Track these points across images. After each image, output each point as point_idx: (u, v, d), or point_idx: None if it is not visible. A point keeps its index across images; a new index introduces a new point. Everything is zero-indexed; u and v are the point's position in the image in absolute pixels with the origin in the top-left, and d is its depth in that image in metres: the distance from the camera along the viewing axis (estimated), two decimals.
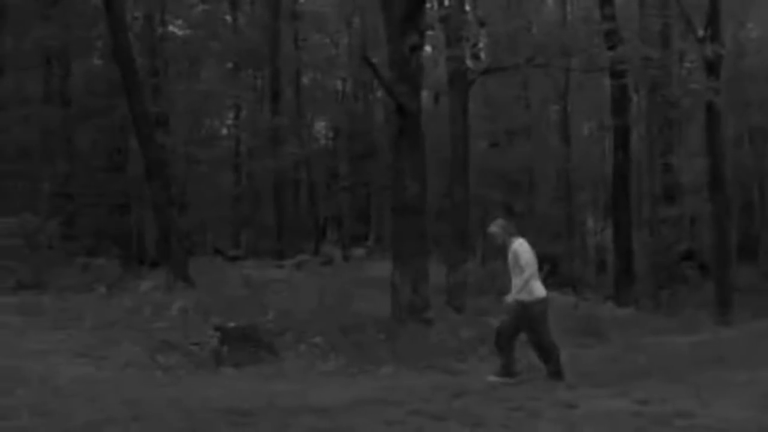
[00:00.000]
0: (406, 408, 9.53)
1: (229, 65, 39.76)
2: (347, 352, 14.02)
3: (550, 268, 25.58)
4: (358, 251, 34.27)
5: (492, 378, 11.53)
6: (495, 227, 11.73)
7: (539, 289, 11.39)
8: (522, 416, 9.25)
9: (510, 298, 11.32)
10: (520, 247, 11.38)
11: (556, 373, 11.53)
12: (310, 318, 15.89)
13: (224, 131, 42.69)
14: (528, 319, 11.37)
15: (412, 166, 16.40)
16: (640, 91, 37.72)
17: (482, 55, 26.95)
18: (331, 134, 48.42)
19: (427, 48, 24.12)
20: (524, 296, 11.25)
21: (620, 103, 29.26)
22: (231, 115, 41.85)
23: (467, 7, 22.13)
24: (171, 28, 35.62)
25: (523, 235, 11.75)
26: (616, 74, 25.30)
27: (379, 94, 38.88)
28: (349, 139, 43.70)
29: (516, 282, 11.36)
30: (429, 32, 21.02)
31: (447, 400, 10.15)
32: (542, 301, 11.42)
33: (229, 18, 39.44)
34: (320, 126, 48.27)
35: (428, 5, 19.50)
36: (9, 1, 29.80)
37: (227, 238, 39.44)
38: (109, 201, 30.73)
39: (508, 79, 32.64)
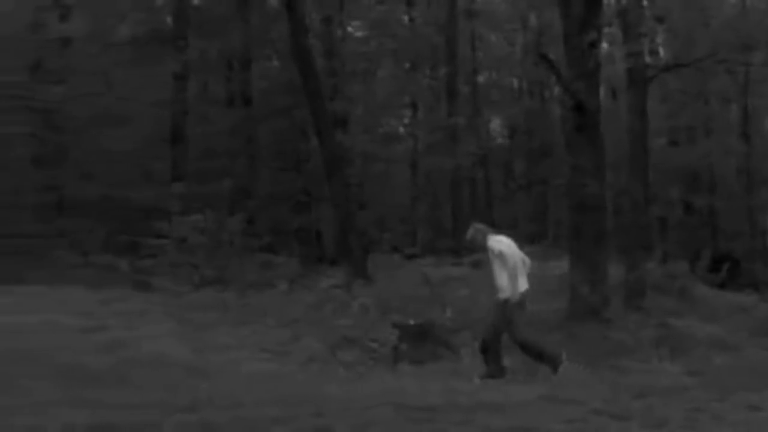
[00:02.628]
0: (586, 407, 9.44)
1: (406, 65, 40.01)
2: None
3: (729, 267, 24.97)
4: (536, 250, 34.02)
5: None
6: (471, 231, 12.13)
7: (518, 285, 11.55)
8: (705, 418, 9.05)
9: (506, 289, 11.51)
10: (495, 242, 11.71)
11: (494, 371, 11.71)
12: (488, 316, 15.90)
13: (401, 130, 42.96)
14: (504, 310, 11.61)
15: (591, 164, 16.25)
16: None
17: (661, 51, 26.46)
18: (507, 132, 48.21)
19: (605, 44, 23.83)
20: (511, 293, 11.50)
21: None
22: (408, 114, 42.10)
23: (645, 3, 21.70)
24: (349, 29, 36.09)
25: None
26: None
27: (556, 91, 38.55)
28: (526, 137, 43.49)
29: (500, 281, 11.58)
30: (607, 29, 20.77)
31: (627, 400, 10.02)
32: (519, 298, 11.61)
33: (405, 18, 39.70)
34: (496, 124, 48.12)
35: (606, 1, 19.25)
36: (194, 7, 30.73)
37: (404, 236, 39.69)
38: (289, 199, 31.32)
39: (687, 75, 31.91)
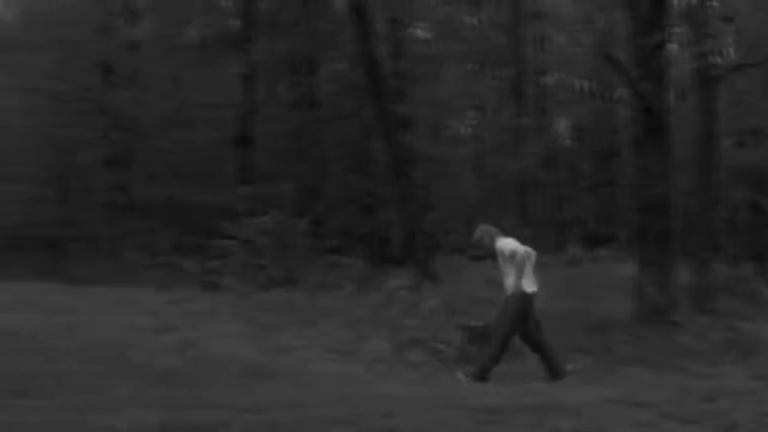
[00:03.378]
0: (655, 410, 9.41)
1: (472, 66, 39.98)
2: (593, 352, 13.95)
3: None
4: (604, 252, 33.79)
5: (569, 367, 11.89)
6: (477, 232, 12.29)
7: (526, 284, 11.59)
8: None
9: (514, 286, 11.55)
10: (505, 243, 11.78)
11: (482, 370, 11.70)
12: (556, 318, 15.85)
13: (466, 132, 42.92)
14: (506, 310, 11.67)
15: (658, 165, 16.15)
16: None
17: (730, 51, 26.17)
18: (573, 134, 47.92)
19: (672, 45, 23.65)
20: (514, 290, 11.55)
21: None
22: (473, 115, 42.06)
23: (713, 3, 21.54)
24: (415, 30, 36.14)
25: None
26: None
27: (623, 92, 38.24)
28: (592, 138, 43.20)
29: (509, 281, 11.64)
30: (675, 29, 20.63)
31: (697, 404, 9.96)
32: (523, 297, 11.61)
33: (471, 19, 39.69)
34: (562, 126, 47.85)
35: (673, 1, 19.13)
36: (261, 9, 30.96)
37: (469, 238, 39.54)
38: (356, 201, 31.46)
39: (756, 75, 31.50)
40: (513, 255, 11.56)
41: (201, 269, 22.97)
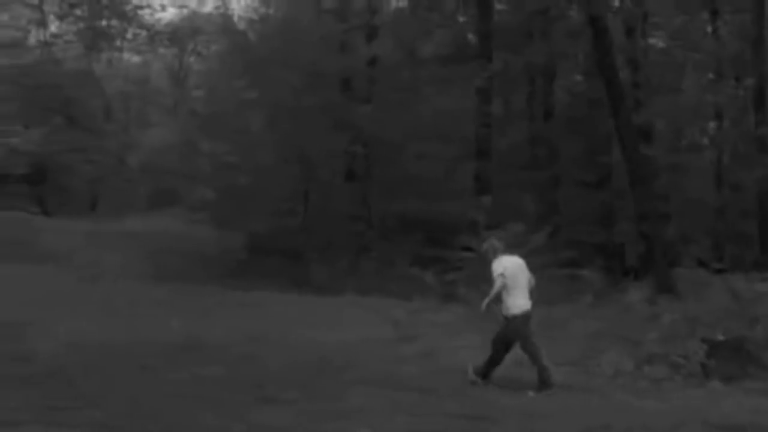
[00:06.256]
0: None
1: (711, 75, 39.04)
2: None
3: None
4: None
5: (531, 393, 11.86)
6: (486, 245, 13.00)
7: (514, 306, 12.19)
8: None
9: (483, 304, 12.20)
10: (498, 263, 12.28)
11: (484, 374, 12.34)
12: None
13: (705, 141, 41.92)
14: (506, 330, 12.32)
15: None
16: None
17: None
18: None
19: None
20: (504, 311, 12.23)
21: None
22: (712, 125, 41.03)
23: None
24: (652, 40, 35.62)
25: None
26: None
27: None
28: None
29: (504, 298, 12.25)
30: None
31: None
32: (514, 318, 12.21)
33: (709, 27, 38.76)
34: None
35: None
36: (497, 23, 31.18)
37: (710, 250, 38.63)
38: (593, 212, 31.25)
39: None
40: (494, 278, 12.22)
41: (439, 281, 23.30)
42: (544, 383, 12.04)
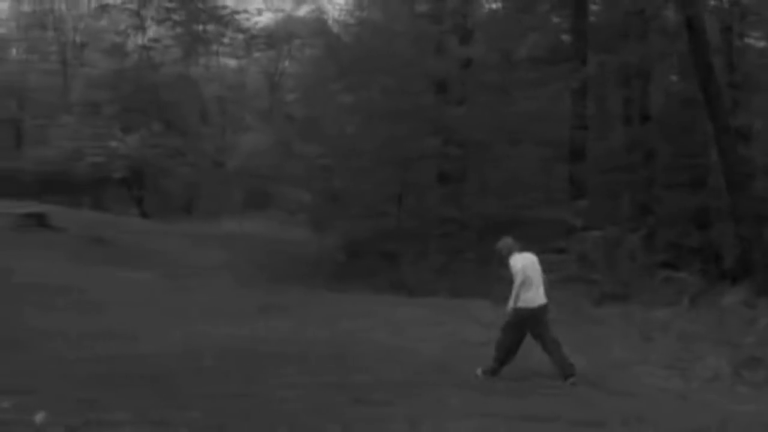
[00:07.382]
0: None
1: None
2: None
3: None
4: None
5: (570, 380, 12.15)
6: (500, 243, 13.09)
7: (525, 300, 12.31)
8: None
9: (509, 304, 12.42)
10: (515, 261, 12.50)
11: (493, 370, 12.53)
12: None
13: None
14: (514, 322, 12.45)
15: None
16: None
17: None
18: None
19: None
20: (517, 303, 12.34)
21: None
22: None
23: None
24: (749, 40, 35.05)
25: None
26: None
27: None
28: None
29: (513, 293, 12.41)
30: None
31: None
32: (516, 313, 12.38)
33: None
34: None
35: None
36: (592, 23, 30.99)
37: None
38: (689, 214, 30.84)
39: None
40: (514, 274, 12.41)
41: None
42: (566, 372, 12.30)
